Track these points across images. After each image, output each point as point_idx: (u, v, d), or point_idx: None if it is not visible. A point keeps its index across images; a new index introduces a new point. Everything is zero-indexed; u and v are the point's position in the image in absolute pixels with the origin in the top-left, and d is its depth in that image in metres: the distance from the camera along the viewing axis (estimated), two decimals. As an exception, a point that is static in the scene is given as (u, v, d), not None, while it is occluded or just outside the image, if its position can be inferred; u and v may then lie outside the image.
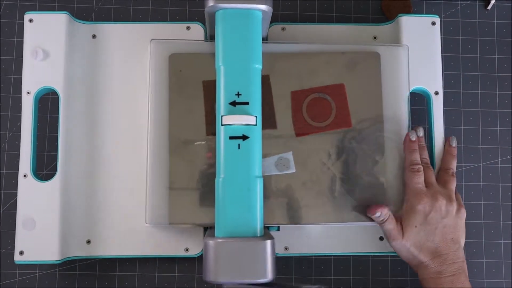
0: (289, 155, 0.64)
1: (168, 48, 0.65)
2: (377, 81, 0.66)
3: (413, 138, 0.64)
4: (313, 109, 0.65)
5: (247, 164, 0.57)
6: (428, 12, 0.74)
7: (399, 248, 0.62)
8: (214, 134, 0.63)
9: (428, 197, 0.62)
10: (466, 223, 0.63)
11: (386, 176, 0.64)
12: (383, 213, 0.62)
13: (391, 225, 0.62)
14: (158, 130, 0.64)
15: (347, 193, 0.64)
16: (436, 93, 0.67)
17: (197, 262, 0.69)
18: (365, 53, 0.67)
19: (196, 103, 0.65)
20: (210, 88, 0.64)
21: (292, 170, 0.64)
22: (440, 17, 0.73)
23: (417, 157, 0.64)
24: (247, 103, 0.58)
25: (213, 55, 0.61)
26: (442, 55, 0.69)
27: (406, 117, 0.66)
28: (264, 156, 0.63)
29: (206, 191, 0.63)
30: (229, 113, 0.58)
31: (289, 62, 0.64)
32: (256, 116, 0.58)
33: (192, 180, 0.63)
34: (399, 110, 0.66)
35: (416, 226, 0.61)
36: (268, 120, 0.64)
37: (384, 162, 0.65)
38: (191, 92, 0.65)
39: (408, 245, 0.61)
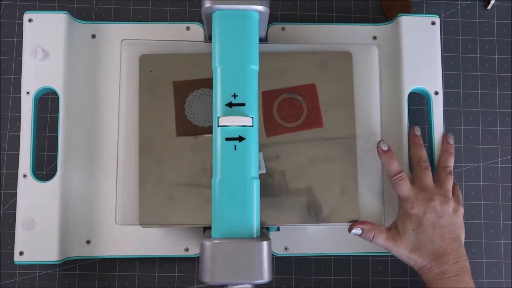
0: (260, 156, 0.64)
1: (139, 49, 0.65)
2: (349, 80, 0.66)
3: (385, 148, 0.63)
4: (284, 109, 0.65)
5: (243, 165, 0.57)
6: (428, 12, 0.74)
7: (399, 254, 0.62)
8: (184, 135, 0.63)
9: (420, 200, 0.61)
10: (466, 223, 0.63)
11: (357, 178, 0.64)
12: (364, 229, 0.61)
13: (380, 240, 0.62)
14: (129, 130, 0.64)
15: (316, 194, 0.64)
16: (436, 93, 0.67)
17: (197, 262, 0.69)
18: (336, 53, 0.66)
19: (167, 104, 0.64)
20: (180, 89, 0.64)
21: (263, 170, 0.64)
22: (440, 17, 0.73)
23: (395, 166, 0.63)
24: (243, 104, 0.58)
25: (184, 55, 0.61)
26: (442, 55, 0.69)
27: (378, 117, 0.65)
28: None
29: (176, 191, 0.63)
30: (226, 114, 0.57)
31: (260, 62, 0.63)
32: (252, 117, 0.58)
33: (162, 180, 0.63)
34: (372, 110, 0.65)
35: (413, 230, 0.61)
36: None
37: (356, 163, 0.64)
38: (162, 93, 0.64)
39: (407, 250, 0.61)
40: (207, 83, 0.64)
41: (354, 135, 0.65)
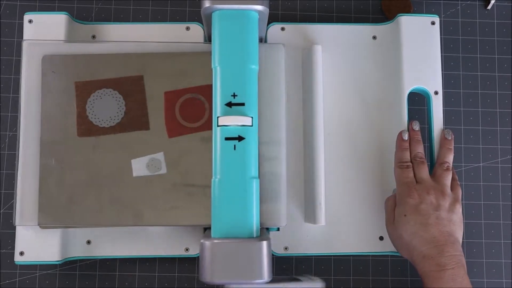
0: (161, 156, 0.64)
1: (42, 49, 0.65)
2: None
3: (405, 137, 0.65)
4: (186, 109, 0.64)
5: (242, 165, 0.57)
6: (428, 11, 0.74)
7: (392, 234, 0.63)
8: (85, 135, 0.63)
9: (417, 191, 0.62)
10: (466, 223, 0.63)
11: (264, 179, 0.63)
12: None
13: (391, 202, 0.64)
14: (29, 131, 0.63)
15: None
16: (436, 92, 0.67)
17: (197, 262, 0.69)
18: None
19: (68, 105, 0.64)
20: (82, 89, 0.64)
21: (164, 171, 0.63)
22: (440, 17, 0.73)
23: (406, 155, 0.64)
24: (243, 104, 0.58)
25: (87, 56, 0.62)
26: (442, 55, 0.69)
27: (283, 117, 0.64)
28: (136, 157, 0.63)
29: (76, 192, 0.63)
30: (225, 114, 0.58)
31: (163, 62, 0.62)
32: (252, 117, 0.58)
33: (62, 181, 0.63)
34: (276, 110, 0.64)
35: (405, 215, 0.61)
36: (140, 121, 0.64)
37: (260, 165, 0.63)
38: (64, 94, 0.64)
39: (398, 231, 0.62)
40: (110, 84, 0.64)
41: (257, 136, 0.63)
